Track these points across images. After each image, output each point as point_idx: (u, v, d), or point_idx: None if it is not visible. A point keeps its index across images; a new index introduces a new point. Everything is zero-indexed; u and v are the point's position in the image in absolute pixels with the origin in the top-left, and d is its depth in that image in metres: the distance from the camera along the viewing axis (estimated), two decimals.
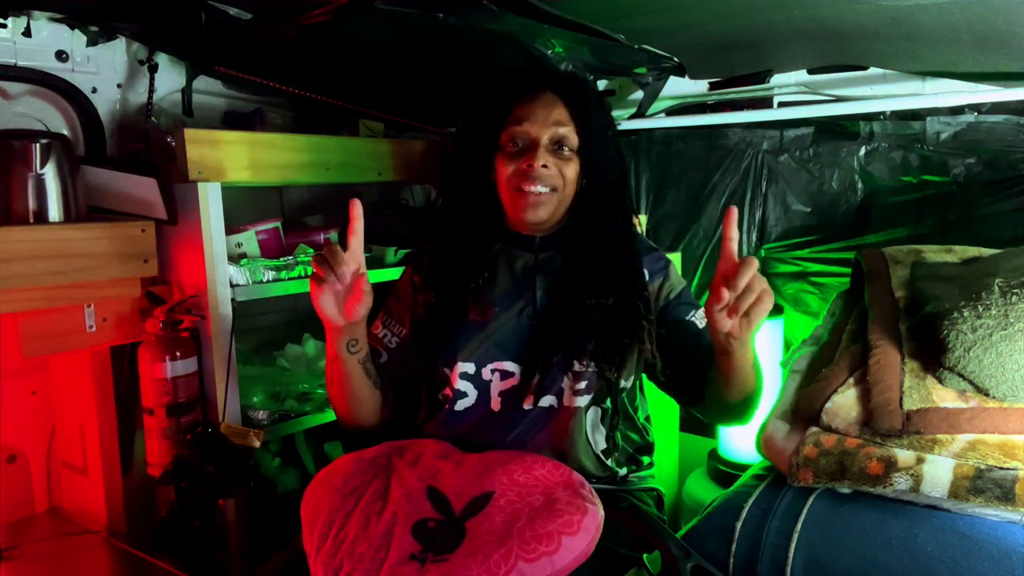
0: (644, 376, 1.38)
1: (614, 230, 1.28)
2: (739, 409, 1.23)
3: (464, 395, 1.29)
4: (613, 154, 1.30)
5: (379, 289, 1.48)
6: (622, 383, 1.28)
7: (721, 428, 2.10)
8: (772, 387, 1.79)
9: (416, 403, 1.39)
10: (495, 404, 1.28)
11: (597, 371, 1.25)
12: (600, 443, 1.29)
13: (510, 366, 1.27)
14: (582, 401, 1.26)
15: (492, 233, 1.33)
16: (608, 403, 1.28)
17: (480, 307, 1.29)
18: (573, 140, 1.25)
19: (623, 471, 1.33)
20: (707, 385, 1.23)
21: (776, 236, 2.08)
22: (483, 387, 1.28)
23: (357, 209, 1.15)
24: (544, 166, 1.22)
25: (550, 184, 1.24)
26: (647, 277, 1.31)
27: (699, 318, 1.30)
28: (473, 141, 1.30)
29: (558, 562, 1.00)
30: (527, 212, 1.24)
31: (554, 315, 1.27)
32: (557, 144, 1.24)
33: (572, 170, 1.25)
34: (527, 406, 1.26)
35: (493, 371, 1.28)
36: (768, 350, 1.95)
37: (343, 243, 1.16)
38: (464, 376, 1.29)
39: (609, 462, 1.30)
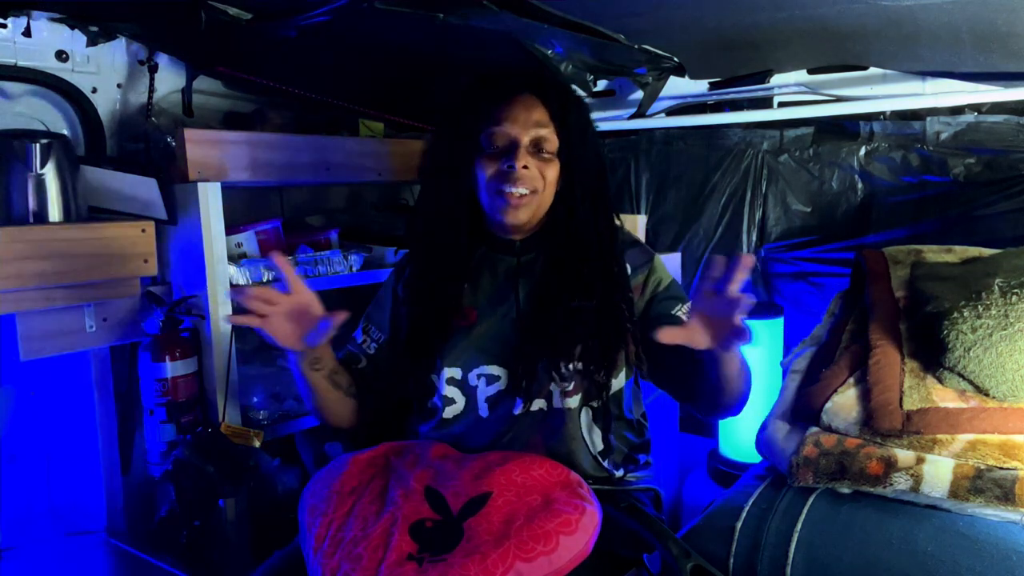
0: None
1: (595, 231, 1.27)
2: (729, 405, 1.24)
3: (452, 401, 1.29)
4: (592, 156, 1.29)
5: (366, 293, 1.49)
6: (612, 383, 1.27)
7: (720, 425, 2.10)
8: (772, 387, 1.80)
9: (408, 408, 1.40)
10: (483, 410, 1.27)
11: (584, 372, 1.24)
12: (597, 444, 1.29)
13: (496, 370, 1.26)
14: (572, 403, 1.25)
15: (473, 237, 1.32)
16: (599, 404, 1.27)
17: (463, 312, 1.29)
18: (553, 142, 1.24)
19: (620, 472, 1.33)
20: (696, 381, 1.23)
21: (776, 236, 2.08)
22: (470, 393, 1.28)
23: (280, 259, 1.17)
24: (525, 167, 1.21)
25: (530, 186, 1.22)
26: (629, 272, 1.30)
27: (685, 312, 1.29)
28: (451, 143, 1.29)
29: (556, 562, 1.00)
30: (507, 215, 1.24)
31: (537, 318, 1.26)
32: (537, 146, 1.23)
33: (552, 172, 1.24)
34: (517, 411, 1.25)
35: (479, 376, 1.27)
36: (768, 350, 1.95)
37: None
38: (451, 382, 1.28)
39: (606, 463, 1.30)
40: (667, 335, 1.05)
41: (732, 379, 1.17)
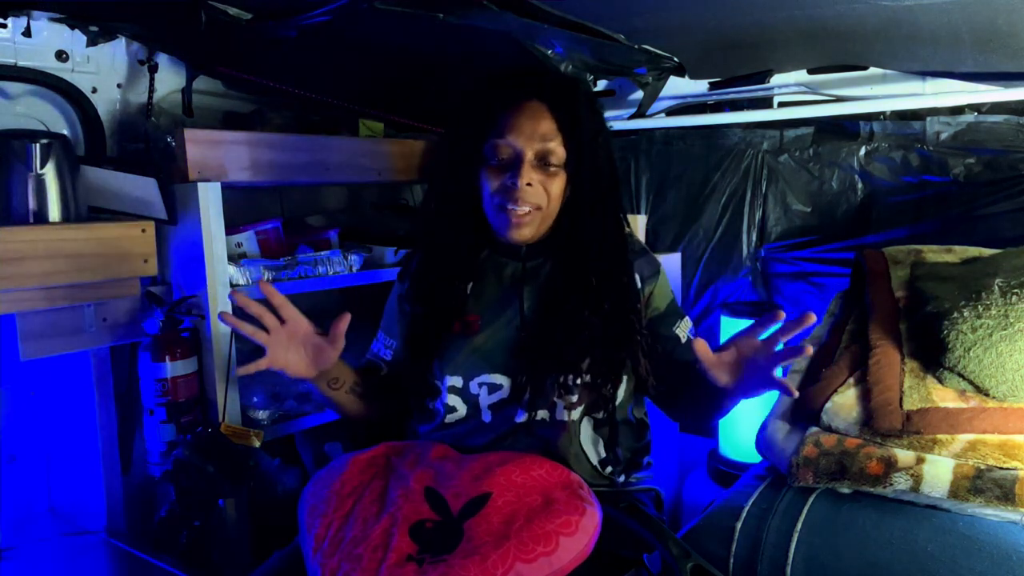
0: None
1: (604, 241, 1.24)
2: (707, 425, 1.26)
3: (454, 409, 1.28)
4: (603, 162, 1.24)
5: (379, 292, 1.50)
6: (618, 396, 1.26)
7: (720, 425, 2.10)
8: None
9: (409, 409, 1.40)
10: (486, 416, 1.26)
11: (590, 384, 1.23)
12: (599, 453, 1.28)
13: (498, 379, 1.25)
14: (575, 414, 1.24)
15: (478, 241, 1.30)
16: (603, 415, 1.26)
17: (466, 318, 1.27)
18: (560, 154, 1.19)
19: (621, 479, 1.32)
20: (683, 395, 1.25)
21: (776, 236, 2.08)
22: (472, 401, 1.26)
23: (266, 287, 1.18)
24: (529, 184, 1.18)
25: (534, 203, 1.20)
26: (639, 284, 1.28)
27: (682, 329, 1.31)
28: (457, 149, 1.26)
29: (556, 563, 1.00)
30: (510, 232, 1.22)
31: (544, 327, 1.24)
32: (543, 159, 1.19)
33: (558, 186, 1.21)
34: (519, 420, 1.23)
35: (481, 385, 1.25)
36: None
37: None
38: (452, 390, 1.27)
39: (607, 471, 1.29)
40: (702, 350, 1.07)
41: (723, 410, 1.20)
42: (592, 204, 1.23)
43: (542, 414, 1.24)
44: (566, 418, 1.24)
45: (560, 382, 1.22)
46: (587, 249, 1.23)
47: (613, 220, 1.26)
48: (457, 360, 1.27)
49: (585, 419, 1.26)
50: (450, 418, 1.28)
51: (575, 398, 1.23)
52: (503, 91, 1.24)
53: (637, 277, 1.28)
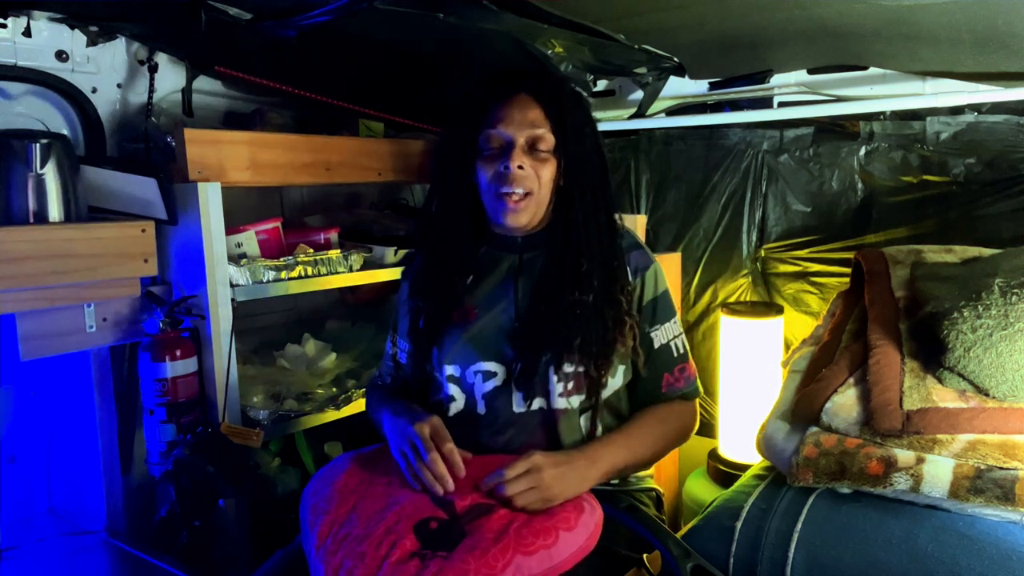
0: None
1: (595, 227, 1.28)
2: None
3: (453, 399, 1.29)
4: (592, 152, 1.30)
5: (378, 289, 1.49)
6: (609, 381, 1.27)
7: (720, 425, 2.10)
8: (772, 387, 1.80)
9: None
10: (480, 407, 1.27)
11: (584, 370, 1.25)
12: None
13: (492, 367, 1.27)
14: (573, 402, 1.25)
15: (477, 236, 1.34)
16: (597, 400, 1.27)
17: (464, 310, 1.30)
18: (549, 140, 1.25)
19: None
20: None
21: (776, 236, 2.08)
22: (468, 390, 1.28)
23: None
24: (520, 167, 1.23)
25: (526, 186, 1.24)
26: (630, 276, 1.30)
27: (659, 334, 1.32)
28: (454, 144, 1.31)
29: (556, 556, 1.00)
30: (507, 217, 1.26)
31: (537, 314, 1.26)
32: (533, 145, 1.25)
33: (548, 172, 1.26)
34: (517, 408, 1.25)
35: (476, 373, 1.27)
36: (768, 350, 1.95)
37: None
38: (451, 379, 1.29)
39: None
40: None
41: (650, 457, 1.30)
42: (582, 191, 1.27)
43: (539, 403, 1.25)
44: (563, 406, 1.25)
45: (552, 365, 1.24)
46: (577, 234, 1.26)
47: (603, 208, 1.30)
48: (453, 349, 1.29)
49: (584, 408, 1.27)
50: (452, 409, 1.30)
51: (571, 385, 1.25)
52: (494, 86, 1.29)
53: (629, 270, 1.31)
